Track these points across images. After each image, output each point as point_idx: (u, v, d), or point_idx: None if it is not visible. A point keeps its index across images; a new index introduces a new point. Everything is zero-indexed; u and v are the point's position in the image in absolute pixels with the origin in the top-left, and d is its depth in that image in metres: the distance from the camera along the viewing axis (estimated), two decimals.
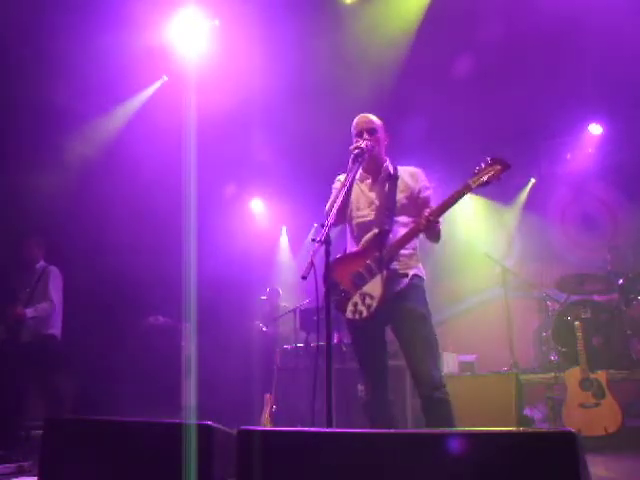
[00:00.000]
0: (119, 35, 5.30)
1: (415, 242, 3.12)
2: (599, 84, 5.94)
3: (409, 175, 3.17)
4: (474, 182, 2.89)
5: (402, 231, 3.04)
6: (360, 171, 3.21)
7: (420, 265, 3.14)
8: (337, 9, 5.85)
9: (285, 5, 5.49)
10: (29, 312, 5.06)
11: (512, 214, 8.03)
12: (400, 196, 3.10)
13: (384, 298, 2.90)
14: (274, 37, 5.69)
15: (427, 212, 2.91)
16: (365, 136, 3.09)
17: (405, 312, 2.97)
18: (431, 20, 5.83)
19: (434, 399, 2.82)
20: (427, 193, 3.13)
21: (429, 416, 2.85)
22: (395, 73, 5.98)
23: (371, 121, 3.17)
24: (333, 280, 2.98)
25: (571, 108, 6.49)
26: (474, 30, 5.66)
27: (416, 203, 3.10)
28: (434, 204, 3.06)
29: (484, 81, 6.08)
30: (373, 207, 3.13)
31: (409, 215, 3.10)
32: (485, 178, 2.87)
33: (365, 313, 2.92)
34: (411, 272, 3.04)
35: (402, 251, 3.03)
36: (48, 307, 5.17)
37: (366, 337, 3.04)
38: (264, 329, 6.68)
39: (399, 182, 3.13)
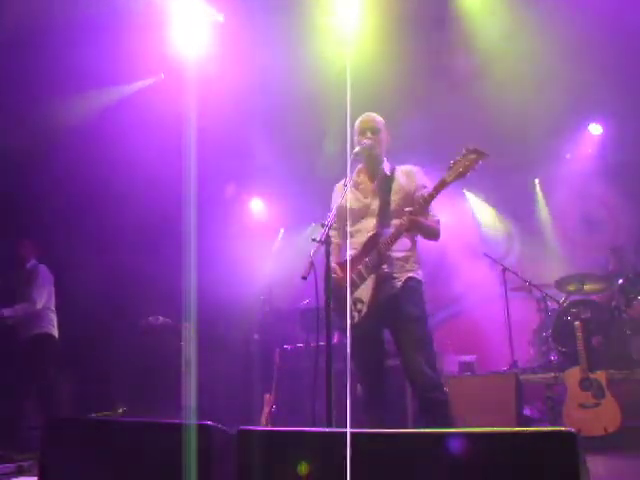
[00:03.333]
0: (119, 24, 5.23)
1: (409, 244, 3.07)
2: (599, 84, 5.93)
3: (404, 175, 3.12)
4: (449, 176, 2.84)
5: None
6: (354, 177, 3.17)
7: (418, 268, 3.09)
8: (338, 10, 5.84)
9: (287, 4, 5.48)
10: (6, 312, 5.04)
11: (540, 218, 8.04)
12: (394, 197, 3.06)
13: (374, 303, 2.91)
14: (275, 36, 5.68)
15: (408, 210, 2.88)
16: (368, 135, 3.07)
17: (398, 315, 2.96)
18: (431, 20, 5.83)
19: (430, 400, 2.81)
20: (423, 192, 3.04)
21: (425, 417, 2.84)
22: (396, 73, 5.97)
23: (375, 120, 3.16)
24: (334, 285, 2.96)
25: (571, 108, 6.48)
26: (474, 30, 5.67)
27: (412, 203, 3.02)
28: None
29: (484, 81, 6.08)
30: (368, 211, 3.10)
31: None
32: (461, 169, 2.81)
33: (356, 318, 2.94)
34: (405, 275, 3.00)
35: (396, 254, 2.99)
36: (27, 307, 5.11)
37: (362, 339, 2.98)
38: (256, 337, 6.63)
39: (394, 184, 3.09)
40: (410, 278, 3.02)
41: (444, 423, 2.73)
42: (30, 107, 5.60)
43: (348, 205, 3.15)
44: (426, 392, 2.82)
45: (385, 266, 2.96)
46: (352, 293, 2.96)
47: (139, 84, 6.39)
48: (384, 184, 3.10)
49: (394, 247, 2.97)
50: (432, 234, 3.05)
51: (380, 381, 3.04)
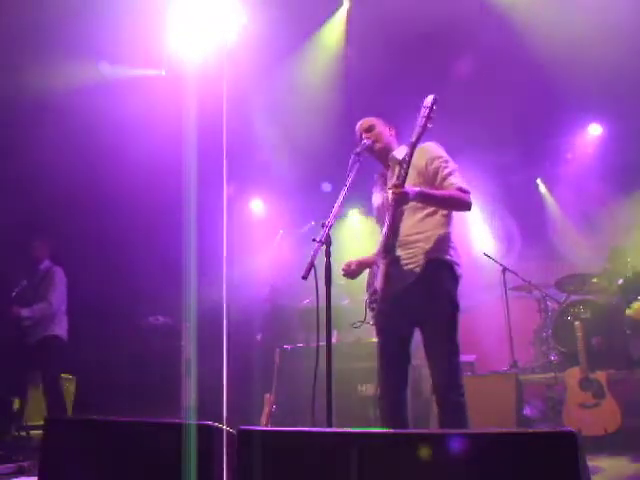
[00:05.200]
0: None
1: (432, 222, 2.87)
2: (599, 84, 5.93)
3: (417, 153, 2.89)
4: (413, 136, 2.77)
5: (418, 215, 2.88)
6: (375, 176, 3.20)
7: (445, 246, 2.87)
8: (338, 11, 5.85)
9: (288, 6, 5.48)
10: (24, 312, 5.06)
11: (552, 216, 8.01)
12: (408, 180, 2.81)
13: (385, 290, 2.80)
14: (277, 37, 5.68)
15: (392, 184, 2.73)
16: (364, 136, 3.07)
17: (421, 306, 2.81)
18: (431, 21, 5.83)
19: (445, 402, 2.74)
20: (436, 163, 2.90)
21: (440, 419, 2.77)
22: (396, 73, 5.97)
23: (366, 121, 3.17)
24: (369, 285, 2.98)
25: (571, 108, 6.48)
26: (474, 31, 5.66)
27: (430, 179, 2.89)
28: (455, 173, 2.88)
29: (484, 81, 6.08)
30: (387, 203, 2.97)
31: None
32: (420, 123, 2.77)
33: (375, 310, 2.89)
34: (423, 259, 2.80)
35: (412, 237, 2.84)
36: (44, 308, 5.13)
37: (385, 334, 2.96)
38: (256, 337, 6.63)
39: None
40: (430, 261, 2.81)
41: (459, 427, 2.63)
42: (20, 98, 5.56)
43: (375, 205, 3.15)
44: (441, 393, 2.75)
45: (399, 250, 2.81)
46: (372, 285, 2.94)
47: (139, 71, 6.27)
48: (398, 168, 2.92)
49: (412, 229, 2.85)
50: (449, 203, 2.85)
51: (399, 380, 2.89)
